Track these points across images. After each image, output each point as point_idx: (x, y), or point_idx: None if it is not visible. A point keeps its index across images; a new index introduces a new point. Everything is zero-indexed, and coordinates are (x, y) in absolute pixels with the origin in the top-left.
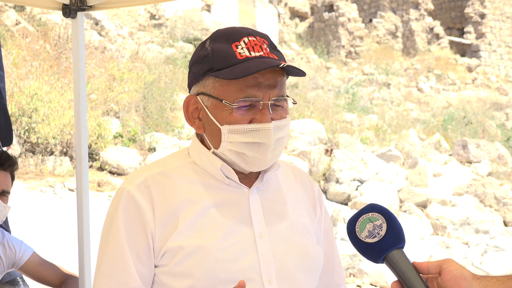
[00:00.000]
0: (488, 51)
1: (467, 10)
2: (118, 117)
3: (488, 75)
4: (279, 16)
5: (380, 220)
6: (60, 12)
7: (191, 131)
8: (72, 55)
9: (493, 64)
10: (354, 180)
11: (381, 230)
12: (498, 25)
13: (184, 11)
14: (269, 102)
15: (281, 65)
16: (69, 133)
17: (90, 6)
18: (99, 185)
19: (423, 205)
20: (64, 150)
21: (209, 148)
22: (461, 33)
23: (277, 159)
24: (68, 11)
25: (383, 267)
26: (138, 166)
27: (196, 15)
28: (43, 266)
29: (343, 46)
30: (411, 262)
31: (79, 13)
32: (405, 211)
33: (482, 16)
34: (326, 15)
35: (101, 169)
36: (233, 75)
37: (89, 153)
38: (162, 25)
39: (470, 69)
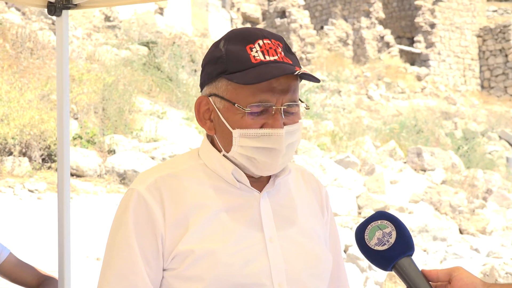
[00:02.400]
0: (438, 61)
1: (417, 19)
2: (76, 119)
3: (437, 84)
4: (231, 21)
5: (390, 228)
6: (18, 12)
7: (150, 133)
8: (56, 54)
9: (442, 73)
10: None
11: (391, 238)
12: (448, 35)
13: (137, 14)
14: (282, 108)
15: (296, 73)
16: (28, 134)
17: (76, 4)
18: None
19: None
20: (23, 150)
21: (219, 150)
22: (411, 42)
23: (287, 164)
24: (53, 9)
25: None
26: (98, 168)
27: (149, 18)
28: (20, 267)
29: (295, 53)
30: (420, 270)
31: (64, 11)
32: (364, 217)
33: (432, 25)
34: (278, 21)
35: None
36: (246, 81)
37: (48, 154)
38: (116, 27)
39: (419, 78)
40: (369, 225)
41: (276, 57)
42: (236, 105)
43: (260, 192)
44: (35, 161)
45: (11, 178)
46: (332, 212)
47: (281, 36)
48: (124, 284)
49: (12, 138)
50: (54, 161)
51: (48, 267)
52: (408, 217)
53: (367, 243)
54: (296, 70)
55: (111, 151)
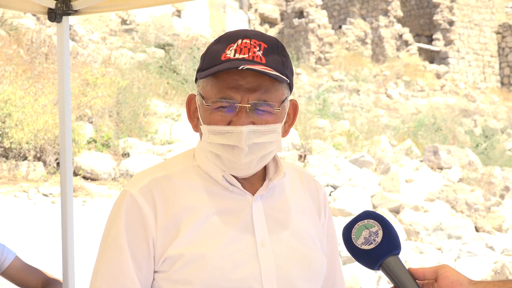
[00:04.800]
0: (457, 58)
1: (436, 17)
2: (91, 122)
3: (457, 82)
4: (249, 22)
5: (376, 227)
6: (33, 17)
7: (165, 136)
8: (56, 60)
9: (461, 71)
10: (328, 185)
11: (377, 237)
12: (467, 32)
13: (154, 17)
14: (247, 106)
15: (240, 67)
16: (42, 138)
17: (76, 11)
18: (73, 190)
19: (396, 211)
20: (38, 155)
21: None
22: (430, 40)
23: (260, 165)
24: (54, 16)
25: (358, 272)
26: (112, 172)
27: (166, 21)
28: (26, 270)
29: (313, 52)
30: (407, 268)
31: (64, 18)
32: None
33: (451, 23)
34: (296, 21)
35: (74, 174)
36: (201, 75)
37: None
38: (133, 30)
39: (438, 76)
40: (356, 225)
41: (246, 55)
42: (203, 100)
43: (253, 195)
44: (50, 165)
45: (25, 183)
46: (330, 214)
47: (273, 38)
48: (113, 285)
49: (27, 143)
50: None
51: (61, 271)
52: (423, 215)
53: (354, 242)
54: (245, 67)
55: (125, 154)
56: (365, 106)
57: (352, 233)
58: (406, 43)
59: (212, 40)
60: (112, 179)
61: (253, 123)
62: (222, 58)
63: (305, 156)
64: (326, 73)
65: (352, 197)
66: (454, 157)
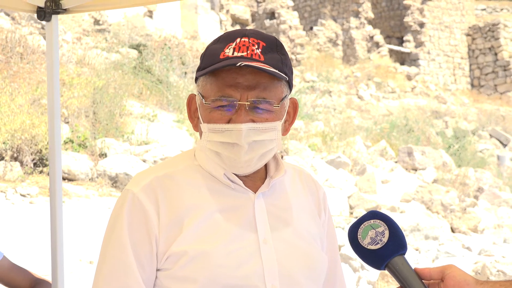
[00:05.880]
0: (427, 60)
1: (406, 19)
2: (67, 123)
3: (427, 83)
4: (221, 22)
5: (382, 227)
6: (7, 17)
7: (141, 136)
8: (46, 58)
9: (432, 72)
10: None
11: (384, 237)
12: (437, 34)
13: (127, 17)
14: (246, 103)
15: (238, 64)
16: (19, 138)
17: (65, 9)
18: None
19: None
20: (15, 155)
21: None
22: (401, 42)
23: (260, 163)
24: (43, 14)
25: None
26: (90, 172)
27: (139, 21)
28: (13, 271)
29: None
30: (413, 268)
31: (53, 16)
32: (356, 217)
33: (421, 25)
34: (267, 22)
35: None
36: (200, 74)
37: (39, 158)
38: (105, 31)
39: (409, 78)
40: (362, 225)
41: (244, 53)
42: (203, 99)
43: (255, 193)
44: (27, 165)
45: (3, 183)
46: (330, 213)
47: (272, 37)
48: (115, 285)
49: (4, 143)
50: (45, 165)
51: (41, 271)
52: (399, 216)
53: (360, 242)
54: (242, 63)
55: (103, 155)
56: (337, 107)
57: (358, 233)
58: (377, 45)
59: (184, 40)
60: (90, 179)
61: (253, 121)
62: (221, 57)
63: (282, 157)
64: (298, 74)
65: (329, 198)
66: (428, 158)
